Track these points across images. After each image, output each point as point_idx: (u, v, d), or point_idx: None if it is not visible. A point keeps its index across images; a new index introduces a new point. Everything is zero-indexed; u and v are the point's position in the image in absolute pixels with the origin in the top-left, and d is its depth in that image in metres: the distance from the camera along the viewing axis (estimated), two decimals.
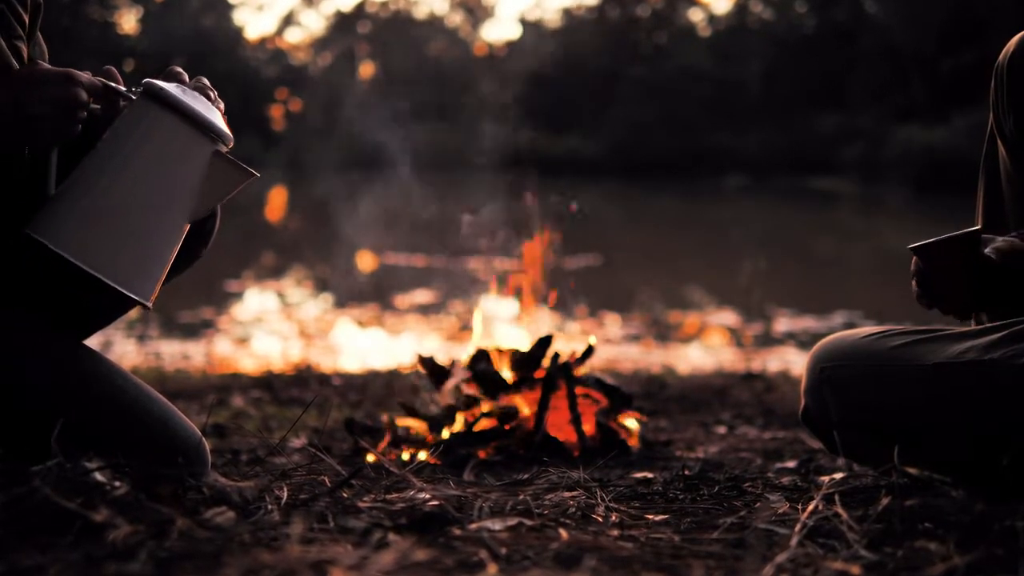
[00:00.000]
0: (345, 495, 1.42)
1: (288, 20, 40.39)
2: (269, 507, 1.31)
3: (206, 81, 1.57)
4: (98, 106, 1.54)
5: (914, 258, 1.58)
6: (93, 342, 1.75)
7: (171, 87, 1.50)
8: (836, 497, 1.42)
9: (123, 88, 1.53)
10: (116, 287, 1.47)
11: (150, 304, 1.51)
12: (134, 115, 1.50)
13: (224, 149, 1.52)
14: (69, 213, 1.47)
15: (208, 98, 1.54)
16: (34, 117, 1.44)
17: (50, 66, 1.48)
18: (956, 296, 1.55)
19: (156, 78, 1.54)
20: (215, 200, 1.53)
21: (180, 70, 1.57)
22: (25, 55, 1.54)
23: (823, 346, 1.73)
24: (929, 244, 1.54)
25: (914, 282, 1.59)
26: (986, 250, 1.54)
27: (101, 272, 1.46)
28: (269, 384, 3.69)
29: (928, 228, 2.06)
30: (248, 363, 4.82)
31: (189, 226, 1.55)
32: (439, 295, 7.59)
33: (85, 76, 1.49)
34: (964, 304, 1.57)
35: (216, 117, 1.52)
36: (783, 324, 6.74)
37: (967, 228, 1.55)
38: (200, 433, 1.58)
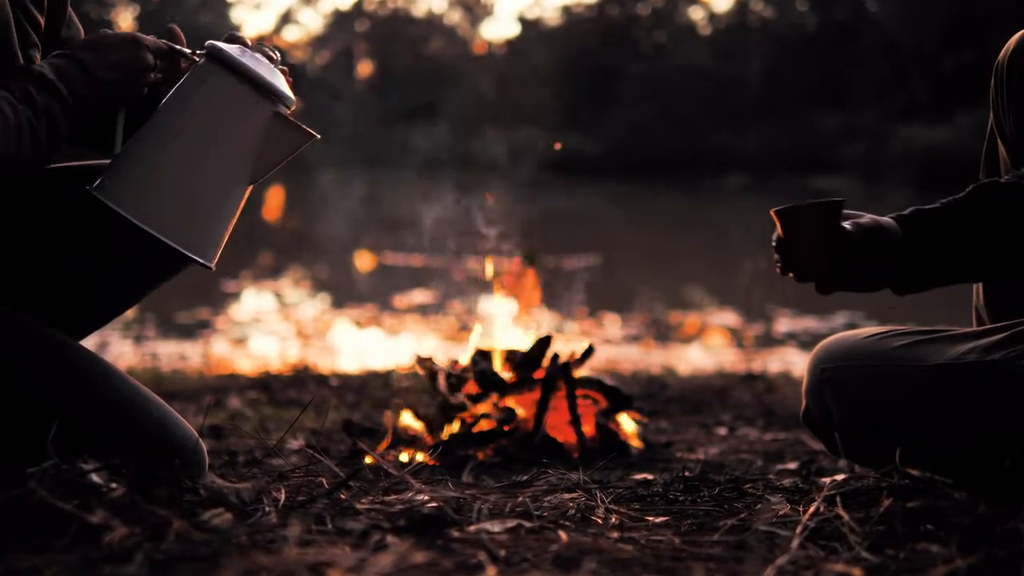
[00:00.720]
0: (343, 497, 1.41)
1: (286, 18, 40.41)
2: (267, 509, 1.30)
3: (269, 45, 1.59)
4: (160, 73, 1.56)
5: (777, 227, 1.57)
6: (89, 343, 1.74)
7: (232, 49, 1.52)
8: (837, 499, 1.41)
9: (187, 50, 1.55)
10: (179, 249, 1.49)
11: (212, 266, 1.53)
12: (196, 77, 1.52)
13: (286, 111, 1.53)
14: (131, 175, 1.49)
15: (270, 60, 1.55)
16: (103, 83, 1.48)
17: (115, 32, 1.51)
18: (812, 265, 1.54)
19: (219, 41, 1.56)
20: (276, 161, 1.54)
21: (240, 35, 1.59)
22: (38, 61, 1.54)
23: (824, 347, 1.72)
24: (791, 208, 1.54)
25: (774, 248, 1.58)
26: (846, 223, 1.52)
27: (163, 234, 1.48)
28: (266, 385, 3.68)
29: None
30: (245, 364, 4.82)
31: (251, 188, 1.56)
32: (438, 295, 7.58)
33: (150, 39, 1.52)
34: (819, 274, 1.55)
35: (278, 79, 1.53)
36: (784, 324, 6.74)
37: (833, 198, 1.54)
38: (197, 435, 1.57)
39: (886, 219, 1.55)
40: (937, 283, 1.56)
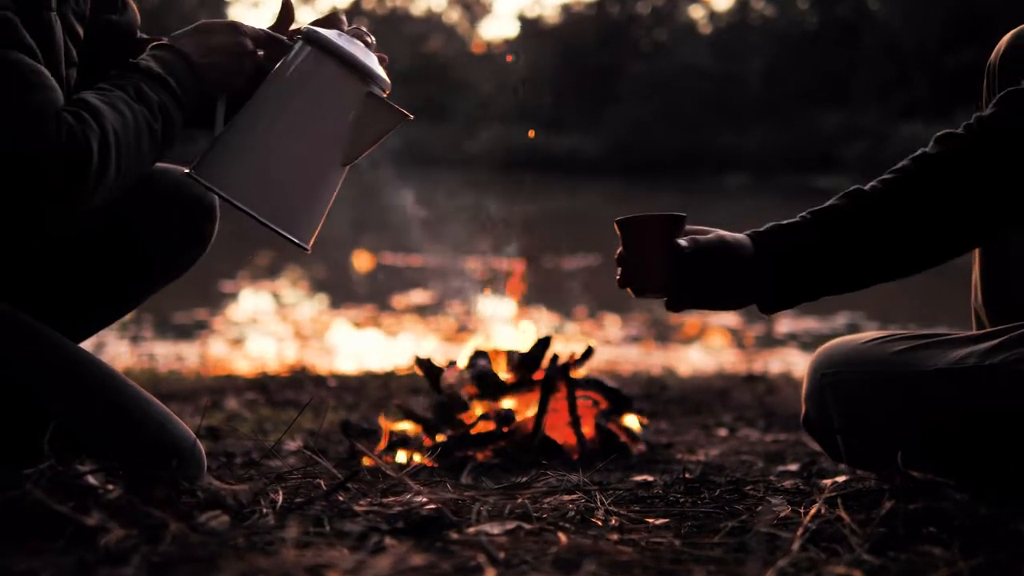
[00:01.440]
0: (341, 499, 1.41)
1: None
2: (264, 511, 1.29)
3: (364, 29, 1.61)
4: (261, 58, 1.59)
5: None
6: (86, 343, 1.73)
7: (329, 33, 1.55)
8: (838, 500, 1.41)
9: (284, 36, 1.59)
10: (276, 229, 1.52)
11: (309, 248, 1.56)
12: (292, 60, 1.56)
13: (380, 92, 1.56)
14: (228, 157, 1.53)
15: (366, 43, 1.58)
16: (205, 67, 1.52)
17: (214, 20, 1.55)
18: (647, 279, 1.51)
19: (317, 23, 1.60)
20: (370, 142, 1.57)
21: (341, 16, 1.62)
22: (73, 81, 1.54)
23: (824, 351, 1.71)
24: (631, 219, 1.51)
25: (616, 261, 1.55)
26: (683, 240, 1.49)
27: (260, 214, 1.51)
28: (264, 386, 3.68)
29: None
30: (243, 364, 4.81)
31: (347, 170, 1.59)
32: (436, 295, 7.57)
33: (248, 26, 1.56)
34: (654, 289, 1.51)
35: (372, 61, 1.56)
36: (785, 325, 6.73)
37: (674, 212, 1.51)
38: (195, 436, 1.57)
39: (737, 236, 1.51)
40: (803, 299, 1.52)
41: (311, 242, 1.58)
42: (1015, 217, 1.47)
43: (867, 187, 1.50)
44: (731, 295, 1.52)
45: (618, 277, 1.54)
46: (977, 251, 1.71)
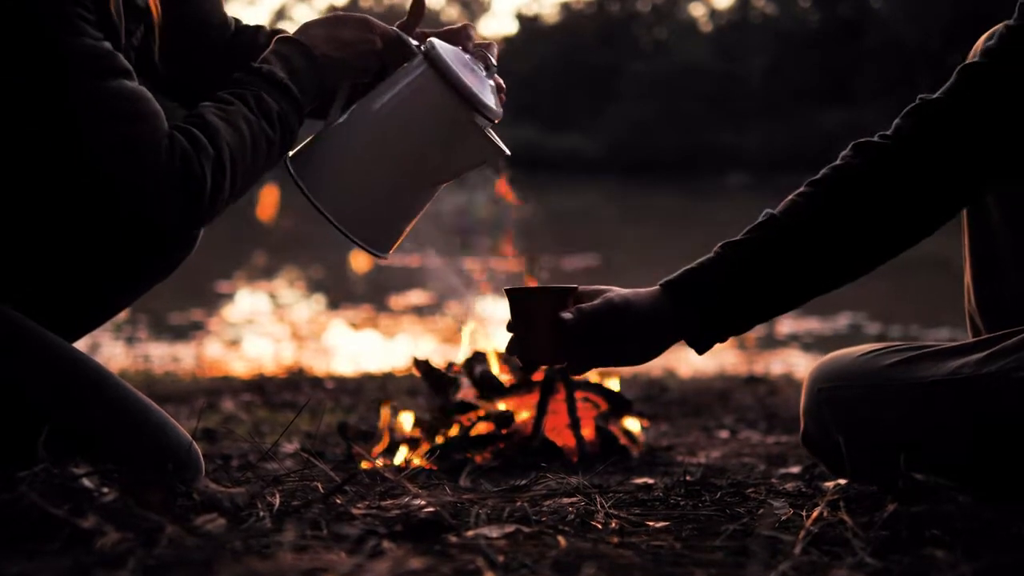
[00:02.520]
0: (339, 501, 1.40)
1: (280, 15, 40.41)
2: (261, 514, 1.29)
3: (493, 51, 1.59)
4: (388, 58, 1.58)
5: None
6: (80, 344, 1.73)
7: (449, 52, 1.53)
8: (841, 503, 1.40)
9: (414, 42, 1.57)
10: (349, 236, 1.52)
11: (387, 257, 1.57)
12: (407, 73, 1.54)
13: (485, 123, 1.54)
14: (321, 156, 1.53)
15: (487, 67, 1.56)
16: (329, 60, 1.51)
17: (348, 13, 1.56)
18: (533, 350, 1.51)
19: (443, 34, 1.59)
20: (463, 169, 1.56)
21: (471, 32, 1.60)
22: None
23: (820, 366, 1.71)
24: (514, 289, 1.51)
25: (507, 328, 1.55)
26: (568, 312, 1.47)
27: (336, 218, 1.51)
28: (261, 387, 3.67)
29: None
30: (239, 366, 4.81)
31: (438, 189, 1.59)
32: (435, 296, 7.57)
33: (380, 24, 1.55)
34: (541, 360, 1.53)
35: (485, 91, 1.54)
36: (786, 326, 6.72)
37: (567, 284, 1.51)
38: (191, 438, 1.56)
39: (625, 293, 1.49)
40: (736, 332, 1.52)
41: (389, 252, 1.57)
42: (948, 214, 1.51)
43: (778, 211, 1.50)
44: (632, 353, 1.52)
45: (507, 345, 1.54)
46: (967, 254, 1.71)
